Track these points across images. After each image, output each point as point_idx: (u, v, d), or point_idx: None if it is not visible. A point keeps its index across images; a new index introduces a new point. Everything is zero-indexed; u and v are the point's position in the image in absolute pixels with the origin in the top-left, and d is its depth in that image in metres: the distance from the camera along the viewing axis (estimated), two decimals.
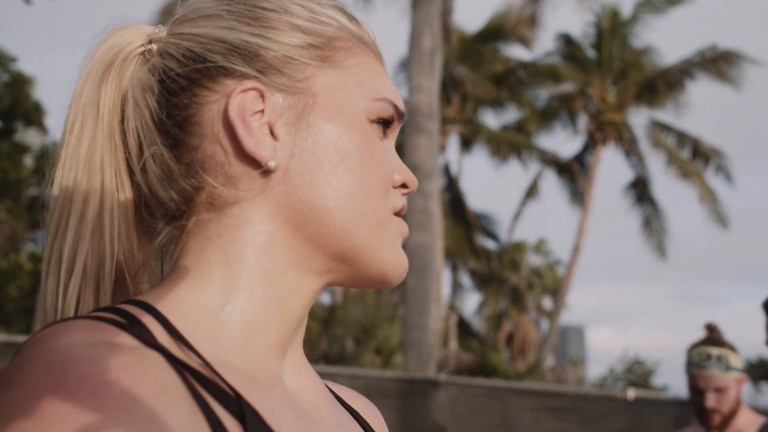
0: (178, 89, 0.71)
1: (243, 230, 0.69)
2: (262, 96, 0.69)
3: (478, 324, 30.49)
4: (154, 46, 0.74)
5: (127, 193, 0.73)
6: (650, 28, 20.86)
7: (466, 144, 22.01)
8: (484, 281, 26.53)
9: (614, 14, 20.43)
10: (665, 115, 20.30)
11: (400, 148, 17.94)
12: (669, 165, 20.08)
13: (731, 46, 19.17)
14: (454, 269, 24.76)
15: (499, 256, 26.60)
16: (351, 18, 0.76)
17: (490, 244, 26.77)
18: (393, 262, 0.73)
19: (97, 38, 0.75)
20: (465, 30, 21.18)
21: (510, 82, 20.46)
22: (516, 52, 20.37)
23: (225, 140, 0.69)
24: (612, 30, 20.29)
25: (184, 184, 0.70)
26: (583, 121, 21.15)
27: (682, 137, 20.11)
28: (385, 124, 0.74)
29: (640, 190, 21.01)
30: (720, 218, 19.91)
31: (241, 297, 0.68)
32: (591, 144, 20.83)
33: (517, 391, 10.12)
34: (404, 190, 0.76)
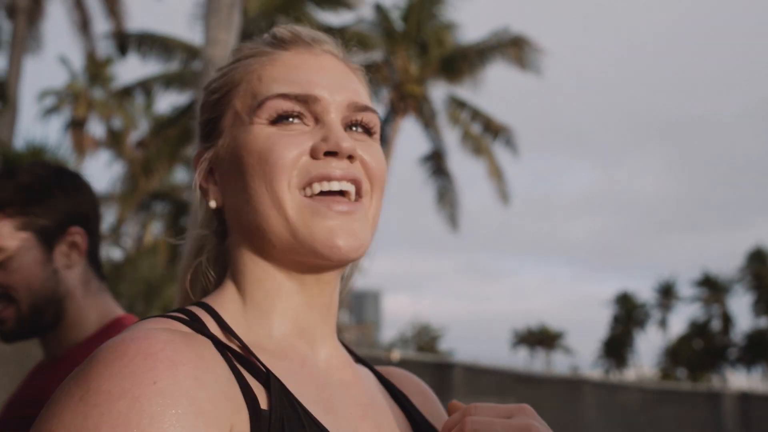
0: None
1: (232, 252, 0.93)
2: (203, 156, 0.94)
3: None
4: None
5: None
6: (456, 6, 21.44)
7: None
8: None
9: None
10: (463, 91, 21.04)
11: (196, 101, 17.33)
12: (464, 140, 20.92)
13: (522, 31, 20.08)
14: None
15: None
16: (261, 43, 0.95)
17: None
18: (312, 235, 0.84)
19: None
20: None
21: None
22: (327, 16, 20.21)
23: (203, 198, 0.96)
24: (421, 3, 20.70)
25: (201, 231, 0.99)
26: (385, 91, 21.49)
27: (476, 114, 20.99)
28: (290, 116, 0.88)
29: (436, 162, 21.75)
30: (502, 195, 21.05)
31: (251, 297, 0.89)
32: (392, 114, 21.25)
33: None
34: (333, 157, 0.86)
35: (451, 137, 21.44)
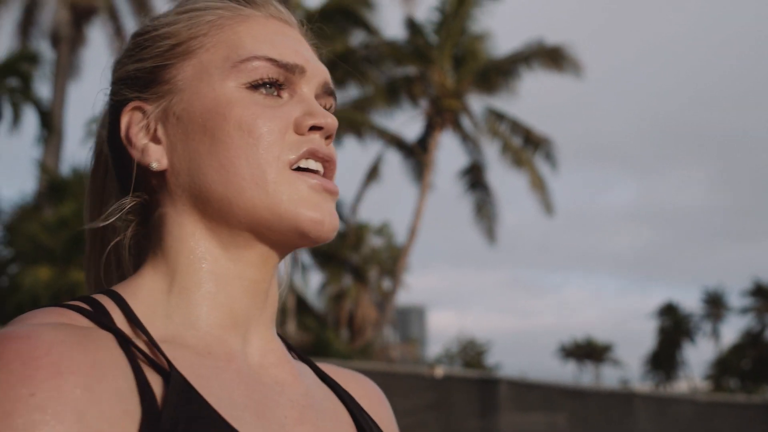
0: (111, 130, 0.85)
1: (165, 224, 0.80)
2: (142, 110, 0.81)
3: (320, 304, 30.56)
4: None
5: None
6: (490, 15, 21.40)
7: None
8: (325, 261, 26.56)
9: (456, 1, 20.80)
10: (500, 102, 20.93)
11: None
12: (503, 152, 20.77)
13: (557, 41, 19.93)
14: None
15: (342, 237, 26.72)
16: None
17: None
18: (297, 210, 0.77)
19: None
20: (308, 5, 20.95)
21: (352, 61, 20.39)
22: (361, 32, 20.39)
23: (127, 157, 0.81)
24: (454, 16, 20.67)
25: (132, 199, 0.83)
26: (423, 104, 21.47)
27: (515, 125, 20.84)
28: (272, 83, 0.80)
29: (475, 175, 21.63)
30: (546, 206, 20.84)
31: (181, 281, 0.78)
32: (429, 129, 21.20)
33: None
34: (317, 133, 0.80)
35: (490, 150, 21.32)
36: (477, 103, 21.22)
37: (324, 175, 0.81)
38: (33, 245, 12.55)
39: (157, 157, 0.79)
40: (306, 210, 0.77)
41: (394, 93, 21.03)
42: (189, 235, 0.79)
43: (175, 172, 0.79)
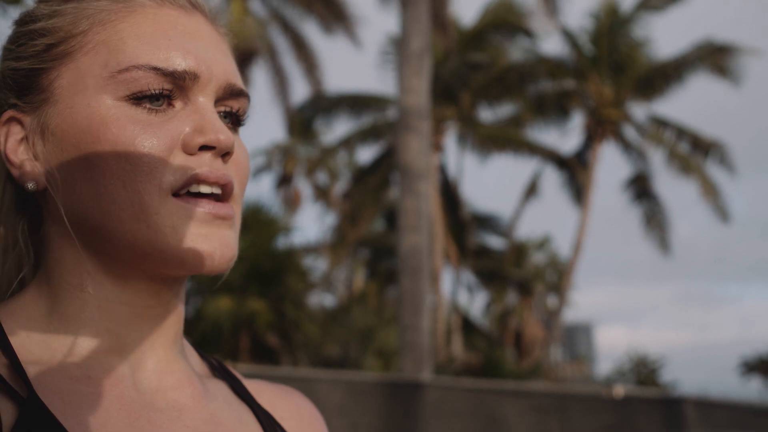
0: None
1: (48, 246, 0.74)
2: (20, 122, 0.72)
3: (486, 323, 30.42)
4: None
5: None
6: (647, 22, 20.66)
7: (464, 141, 21.92)
8: (489, 279, 26.47)
9: (612, 9, 20.29)
10: (664, 109, 20.14)
11: (392, 150, 17.98)
12: (669, 160, 19.93)
13: (726, 40, 18.90)
14: (456, 269, 24.67)
15: (503, 255, 26.52)
16: None
17: (494, 242, 26.70)
18: (182, 245, 0.69)
19: None
20: (462, 23, 21.13)
21: (507, 78, 20.33)
22: (516, 44, 20.28)
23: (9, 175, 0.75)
24: (609, 25, 20.15)
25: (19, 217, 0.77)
26: (579, 116, 21.03)
27: (681, 131, 19.94)
28: (158, 96, 0.70)
29: (641, 185, 20.85)
30: (721, 214, 19.73)
31: (60, 307, 0.72)
32: (589, 140, 20.70)
33: (502, 391, 10.03)
34: (209, 152, 0.71)
35: (654, 158, 20.52)
36: (637, 110, 20.51)
37: (221, 197, 0.72)
38: (213, 277, 13.35)
39: (33, 177, 0.72)
40: (192, 243, 0.69)
41: (550, 107, 20.76)
42: (71, 259, 0.73)
43: (54, 191, 0.72)
